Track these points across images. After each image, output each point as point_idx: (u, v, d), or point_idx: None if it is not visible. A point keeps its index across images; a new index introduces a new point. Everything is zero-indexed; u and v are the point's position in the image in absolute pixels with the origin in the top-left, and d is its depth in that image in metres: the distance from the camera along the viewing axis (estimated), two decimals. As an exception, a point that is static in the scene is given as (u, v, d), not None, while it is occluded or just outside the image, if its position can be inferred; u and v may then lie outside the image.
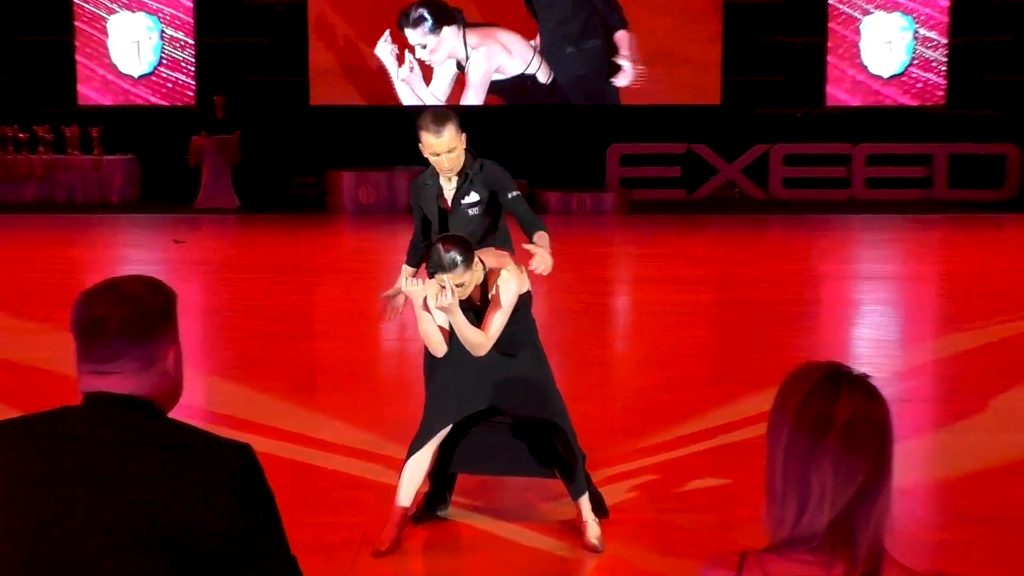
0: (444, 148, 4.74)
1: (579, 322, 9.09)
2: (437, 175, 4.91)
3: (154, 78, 17.34)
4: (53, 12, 17.33)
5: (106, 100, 17.39)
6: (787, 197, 17.17)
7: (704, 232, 14.37)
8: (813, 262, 12.28)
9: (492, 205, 4.88)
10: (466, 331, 4.41)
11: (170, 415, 2.07)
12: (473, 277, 4.38)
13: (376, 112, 17.18)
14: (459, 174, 4.86)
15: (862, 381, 1.82)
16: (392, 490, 4.65)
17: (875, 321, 9.37)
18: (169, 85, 17.37)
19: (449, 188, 4.90)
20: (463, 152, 4.82)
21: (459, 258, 4.28)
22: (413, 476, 4.56)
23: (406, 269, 4.82)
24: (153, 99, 17.38)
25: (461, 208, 4.86)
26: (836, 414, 1.77)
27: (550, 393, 4.67)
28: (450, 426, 4.58)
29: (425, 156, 4.85)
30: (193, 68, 17.31)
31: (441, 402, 4.60)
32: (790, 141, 17.31)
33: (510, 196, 4.88)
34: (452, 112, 4.87)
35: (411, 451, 4.57)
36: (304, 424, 6.17)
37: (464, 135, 4.82)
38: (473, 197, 4.86)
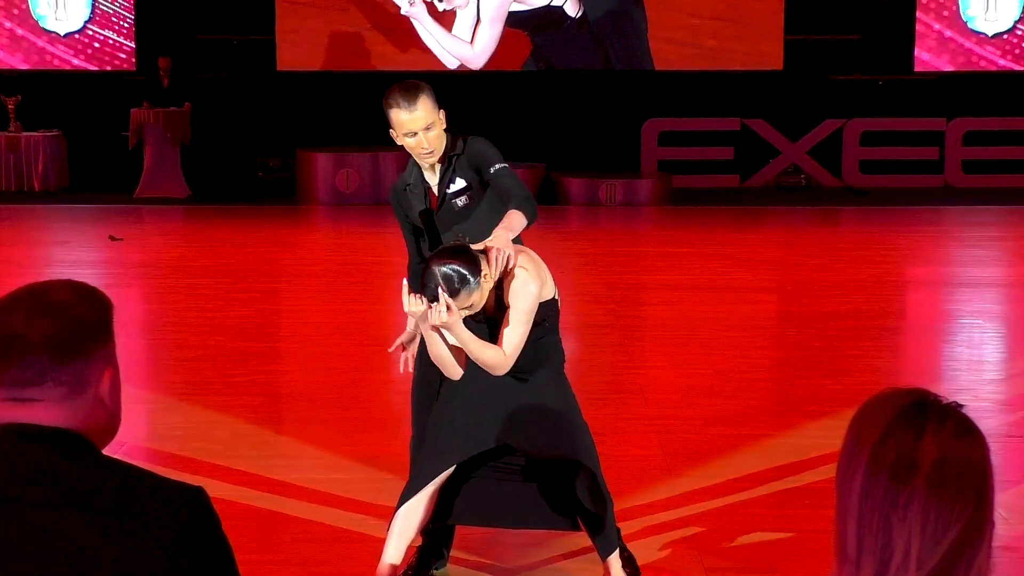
0: (420, 125, 4.71)
1: (607, 339, 9.09)
2: (420, 170, 4.88)
3: (84, 36, 17.41)
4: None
5: (24, 63, 17.46)
6: (865, 184, 17.18)
7: (762, 228, 14.38)
8: (897, 265, 12.27)
9: (478, 191, 4.84)
10: (476, 350, 4.37)
11: (106, 451, 2.08)
12: (482, 293, 4.35)
13: (358, 79, 17.20)
14: (442, 160, 4.84)
15: (953, 413, 1.82)
16: (378, 544, 4.66)
17: (974, 338, 9.36)
18: (96, 45, 17.43)
19: (436, 181, 4.87)
20: (443, 132, 4.80)
21: (457, 275, 4.19)
22: (404, 528, 4.57)
23: (405, 286, 4.78)
24: (83, 62, 17.45)
25: (447, 202, 4.83)
26: (922, 454, 1.77)
27: (574, 425, 4.68)
28: (452, 468, 4.59)
29: (400, 143, 4.81)
30: (131, 24, 17.37)
31: (442, 439, 4.59)
32: (869, 115, 17.31)
33: (493, 170, 4.77)
34: (424, 83, 4.84)
35: (403, 498, 4.57)
36: (269, 464, 6.19)
37: (443, 112, 4.79)
38: (459, 184, 4.82)
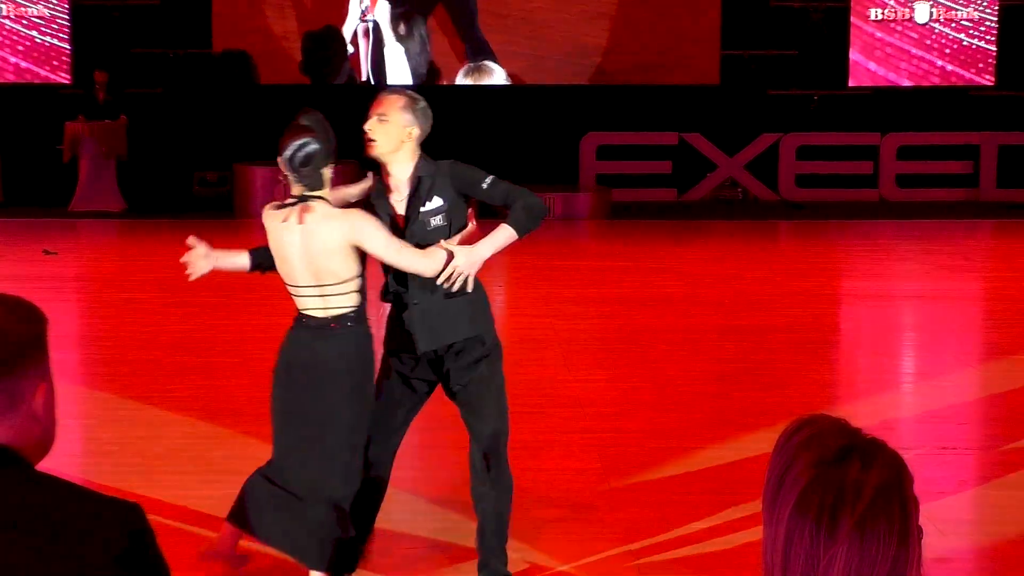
0: (378, 110, 4.84)
1: (546, 352, 9.10)
2: (382, 187, 4.91)
3: (17, 47, 17.23)
4: None
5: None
6: (801, 198, 17.32)
7: (700, 242, 14.45)
8: (833, 278, 12.38)
9: (456, 213, 4.87)
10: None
11: (39, 467, 2.06)
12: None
13: (297, 92, 17.15)
14: (412, 180, 4.84)
15: (879, 452, 1.84)
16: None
17: (906, 351, 9.45)
18: (35, 56, 17.27)
19: (399, 198, 4.88)
20: (398, 139, 4.80)
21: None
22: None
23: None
24: (17, 74, 17.27)
25: (420, 219, 4.84)
26: (848, 501, 1.78)
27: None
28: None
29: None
30: (68, 36, 17.22)
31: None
32: (804, 129, 17.46)
33: (485, 185, 4.91)
34: (417, 95, 4.96)
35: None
36: (205, 479, 6.14)
37: (414, 130, 4.81)
38: (436, 202, 4.85)
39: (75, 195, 16.17)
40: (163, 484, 6.03)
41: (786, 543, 1.81)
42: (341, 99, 17.10)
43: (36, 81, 17.24)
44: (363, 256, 4.66)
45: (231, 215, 16.26)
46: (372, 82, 17.03)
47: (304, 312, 4.77)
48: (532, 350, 9.02)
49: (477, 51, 17.35)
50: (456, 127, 17.02)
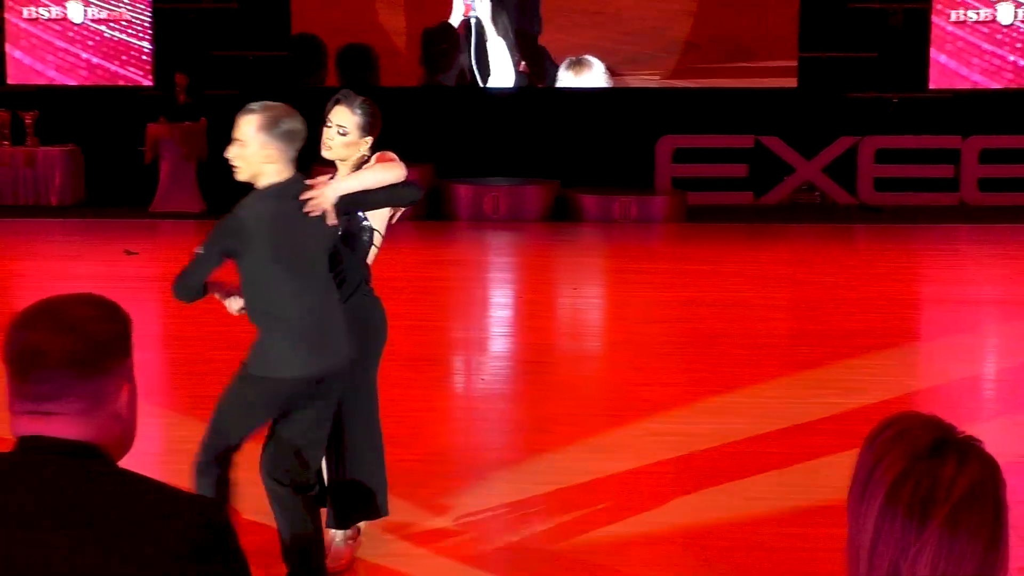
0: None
1: (619, 356, 9.09)
2: None
3: (101, 49, 17.47)
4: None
5: (42, 79, 17.53)
6: (880, 202, 17.15)
7: (776, 245, 14.36)
8: (912, 283, 12.25)
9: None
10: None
11: (121, 463, 2.09)
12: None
13: (370, 94, 17.25)
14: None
15: (973, 450, 1.82)
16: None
17: (988, 357, 9.33)
18: (122, 58, 17.50)
19: None
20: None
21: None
22: None
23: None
24: (101, 78, 17.51)
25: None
26: (940, 496, 1.77)
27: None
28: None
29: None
30: (150, 38, 17.44)
31: None
32: (884, 133, 17.29)
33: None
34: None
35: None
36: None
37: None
38: None
39: (156, 196, 16.38)
40: (245, 480, 6.08)
41: (875, 535, 1.80)
42: (399, 101, 17.19)
43: (119, 83, 17.48)
44: None
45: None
46: (479, 81, 17.12)
47: None
48: (606, 353, 9.01)
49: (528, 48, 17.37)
50: (532, 130, 17.07)
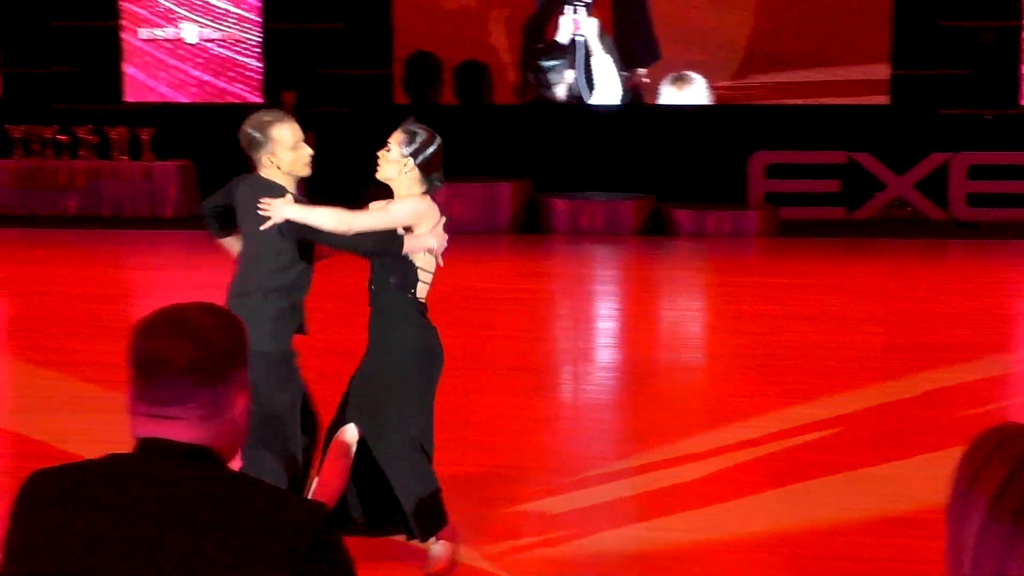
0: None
1: (713, 368, 9.04)
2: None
3: (212, 66, 17.76)
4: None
5: (154, 95, 17.86)
6: (972, 218, 16.89)
7: (869, 260, 14.20)
8: (1005, 298, 12.04)
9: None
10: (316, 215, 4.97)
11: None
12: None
13: (473, 111, 17.35)
14: None
15: None
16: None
17: (1081, 372, 9.14)
18: (229, 75, 17.76)
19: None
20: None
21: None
22: None
23: None
24: (210, 95, 17.79)
25: None
26: None
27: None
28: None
29: (289, 155, 5.25)
30: (259, 56, 17.69)
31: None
32: (976, 149, 17.03)
33: None
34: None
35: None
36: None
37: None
38: None
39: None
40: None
41: (978, 542, 1.76)
42: (493, 119, 17.26)
43: (228, 100, 17.74)
44: None
45: (409, 229, 16.49)
46: (585, 98, 17.17)
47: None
48: (701, 364, 8.97)
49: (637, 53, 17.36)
50: (628, 146, 17.06)
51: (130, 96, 17.93)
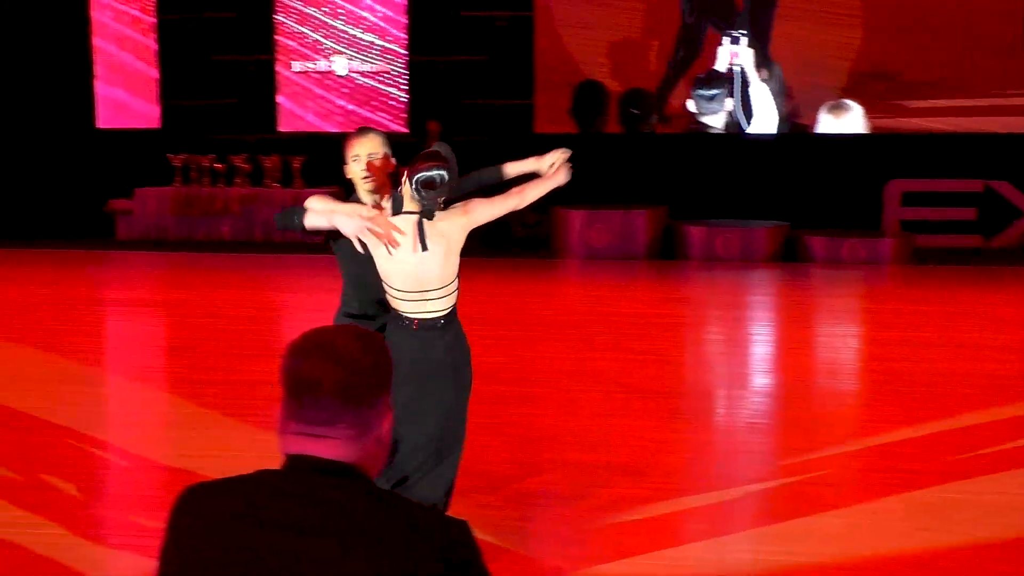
0: (366, 150, 5.52)
1: (848, 393, 8.89)
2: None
3: (357, 97, 18.05)
4: (252, 28, 18.33)
5: (301, 123, 18.21)
6: (1112, 246, 16.37)
7: (1006, 288, 13.85)
8: None
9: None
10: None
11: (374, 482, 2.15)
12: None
13: (610, 141, 17.36)
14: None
15: None
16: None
17: None
18: (372, 104, 18.02)
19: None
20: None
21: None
22: None
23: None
24: (356, 124, 18.08)
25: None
26: None
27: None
28: None
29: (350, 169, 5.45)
30: (405, 91, 17.94)
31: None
32: (1117, 177, 16.52)
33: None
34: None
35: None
36: (519, 501, 6.24)
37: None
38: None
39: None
40: (478, 503, 6.16)
41: None
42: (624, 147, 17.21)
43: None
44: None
45: (548, 255, 16.54)
46: (744, 126, 17.09)
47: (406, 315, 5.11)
48: (836, 389, 8.83)
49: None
50: (766, 173, 16.90)
51: (283, 126, 18.31)
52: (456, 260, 5.13)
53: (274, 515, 2.05)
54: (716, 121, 17.19)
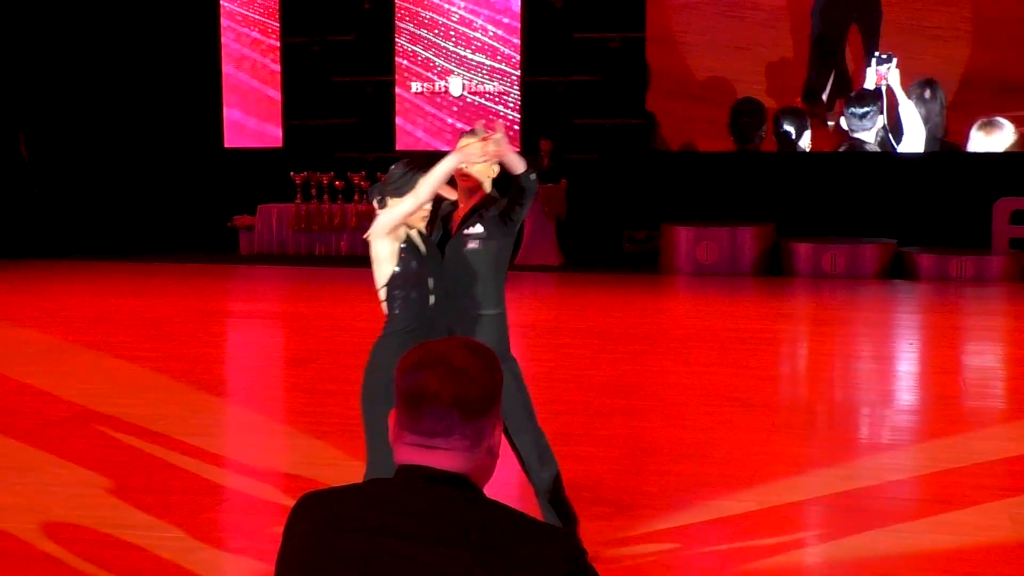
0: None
1: (955, 409, 8.69)
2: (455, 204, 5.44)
3: (470, 117, 18.17)
4: (370, 50, 18.54)
5: (411, 139, 18.35)
6: None
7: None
8: None
9: (491, 247, 5.28)
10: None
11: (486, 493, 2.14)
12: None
13: (718, 159, 17.23)
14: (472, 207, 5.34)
15: None
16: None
17: None
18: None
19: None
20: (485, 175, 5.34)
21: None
22: None
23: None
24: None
25: (460, 235, 5.28)
26: None
27: None
28: None
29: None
30: (517, 110, 18.00)
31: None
32: None
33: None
34: None
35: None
36: (628, 512, 6.20)
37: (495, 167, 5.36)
38: (477, 228, 5.32)
39: (519, 250, 16.80)
40: (589, 514, 6.13)
41: None
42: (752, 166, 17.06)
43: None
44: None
45: (656, 271, 16.45)
46: (893, 146, 16.87)
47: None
48: (944, 407, 8.64)
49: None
50: (873, 191, 16.65)
51: (400, 145, 18.48)
52: (380, 270, 4.94)
53: (388, 522, 2.05)
54: (869, 137, 16.99)
